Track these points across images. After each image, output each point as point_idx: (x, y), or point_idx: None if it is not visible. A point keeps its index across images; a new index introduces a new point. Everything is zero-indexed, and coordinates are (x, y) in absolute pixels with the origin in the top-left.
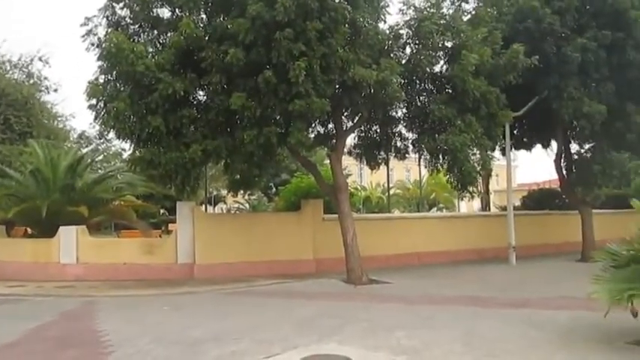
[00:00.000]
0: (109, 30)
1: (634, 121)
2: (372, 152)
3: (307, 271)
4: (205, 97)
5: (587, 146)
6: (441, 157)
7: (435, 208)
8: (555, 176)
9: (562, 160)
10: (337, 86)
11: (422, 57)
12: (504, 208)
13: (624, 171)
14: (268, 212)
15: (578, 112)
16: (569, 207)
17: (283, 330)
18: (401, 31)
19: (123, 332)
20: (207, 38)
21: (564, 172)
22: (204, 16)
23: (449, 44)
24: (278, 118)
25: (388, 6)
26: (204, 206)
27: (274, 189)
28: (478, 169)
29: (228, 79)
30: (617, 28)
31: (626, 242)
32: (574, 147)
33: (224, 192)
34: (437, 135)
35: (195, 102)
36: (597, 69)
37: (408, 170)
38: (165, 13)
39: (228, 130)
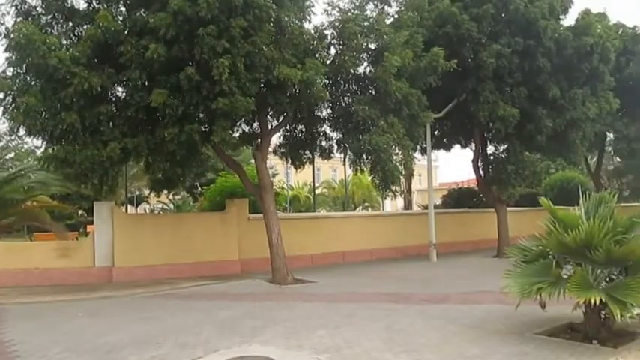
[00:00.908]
0: (19, 20)
1: (544, 124)
2: (297, 152)
3: (232, 271)
4: (124, 94)
5: (501, 147)
6: (364, 157)
7: (361, 208)
8: (473, 176)
9: (479, 161)
10: (262, 85)
11: (346, 58)
12: (426, 207)
13: (536, 171)
14: (192, 213)
15: (494, 114)
16: (486, 205)
17: (206, 332)
18: (326, 32)
19: (32, 342)
20: (126, 32)
21: (481, 172)
22: (123, 8)
23: (372, 46)
24: (201, 116)
25: (313, 6)
26: (125, 207)
27: (200, 189)
28: (400, 168)
29: (149, 75)
30: (528, 36)
31: (535, 238)
32: (490, 148)
33: (147, 192)
34: (361, 135)
35: (113, 98)
36: (511, 74)
37: (334, 170)
38: (81, 4)
39: (149, 127)
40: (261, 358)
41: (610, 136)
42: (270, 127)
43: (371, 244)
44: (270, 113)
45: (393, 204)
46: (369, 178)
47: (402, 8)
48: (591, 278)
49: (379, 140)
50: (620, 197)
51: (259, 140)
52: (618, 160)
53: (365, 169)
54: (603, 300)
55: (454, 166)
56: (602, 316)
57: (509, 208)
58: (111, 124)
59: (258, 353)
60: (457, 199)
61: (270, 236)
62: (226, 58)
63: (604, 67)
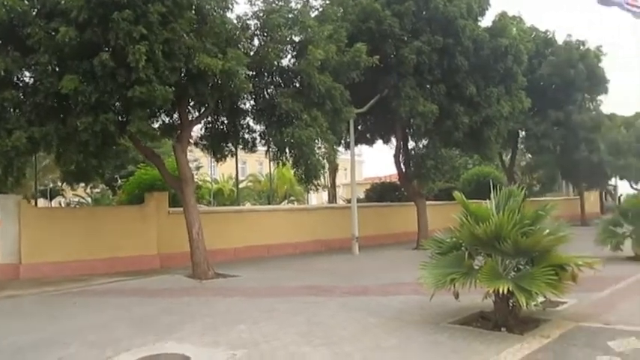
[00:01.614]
0: None
1: (461, 121)
2: (219, 144)
3: (151, 267)
4: (32, 79)
5: (422, 143)
6: (287, 150)
7: (286, 201)
8: (396, 170)
9: (400, 156)
10: (182, 74)
11: (269, 49)
12: (350, 201)
13: (454, 166)
14: (109, 206)
15: (414, 110)
16: (407, 199)
17: (119, 331)
18: (249, 22)
19: None
20: (34, 13)
21: (402, 166)
22: None
23: (296, 39)
24: (117, 105)
25: None
26: (35, 200)
27: (120, 181)
28: (324, 162)
29: (60, 60)
30: (448, 35)
31: (449, 231)
32: (411, 143)
33: (62, 185)
34: (284, 128)
35: (20, 84)
36: (431, 71)
37: (260, 163)
38: None
39: (60, 116)
40: (176, 356)
41: (522, 133)
42: (191, 119)
43: (295, 238)
44: (191, 104)
45: (318, 198)
46: (292, 172)
47: (327, 2)
48: (500, 269)
49: (302, 134)
50: (531, 192)
51: (180, 131)
52: (530, 156)
53: (288, 162)
54: (511, 289)
55: (379, 160)
56: (510, 305)
57: (428, 202)
58: (17, 111)
59: (173, 351)
60: (380, 193)
61: (190, 230)
62: (143, 44)
63: (517, 68)
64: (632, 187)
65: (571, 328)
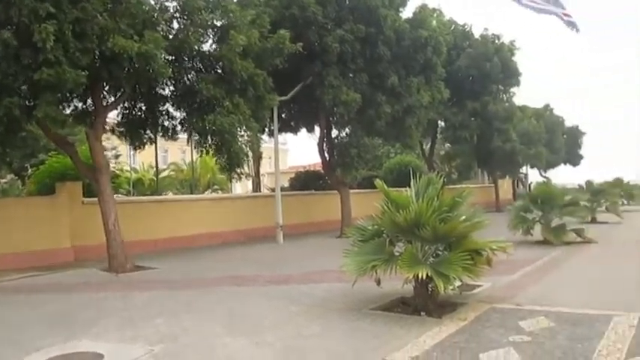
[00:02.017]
0: None
1: (383, 110)
2: (136, 131)
3: (64, 260)
4: None
5: (345, 131)
6: (209, 137)
7: (209, 190)
8: (320, 159)
9: (324, 144)
10: (95, 57)
11: (190, 33)
12: (274, 190)
13: (377, 155)
14: (17, 197)
15: (337, 99)
16: (331, 188)
17: (29, 330)
18: (167, 4)
19: None
20: None
21: (326, 155)
22: None
23: (218, 23)
24: (23, 88)
25: None
26: None
27: (30, 170)
28: (246, 150)
29: None
30: (370, 24)
31: (371, 218)
32: (335, 132)
33: None
34: (205, 115)
35: None
36: (354, 60)
37: (183, 152)
38: None
39: None
40: (88, 354)
41: (441, 123)
42: (105, 104)
43: (218, 228)
44: (106, 89)
45: (243, 187)
46: (215, 160)
47: None
48: (420, 254)
49: (224, 121)
50: (449, 179)
51: (94, 118)
52: (448, 145)
53: (210, 150)
54: (429, 274)
55: (304, 149)
56: (429, 290)
57: (352, 190)
58: None
59: (86, 349)
60: (304, 181)
61: (106, 221)
62: (51, 23)
63: (437, 59)
64: (541, 175)
65: (486, 310)
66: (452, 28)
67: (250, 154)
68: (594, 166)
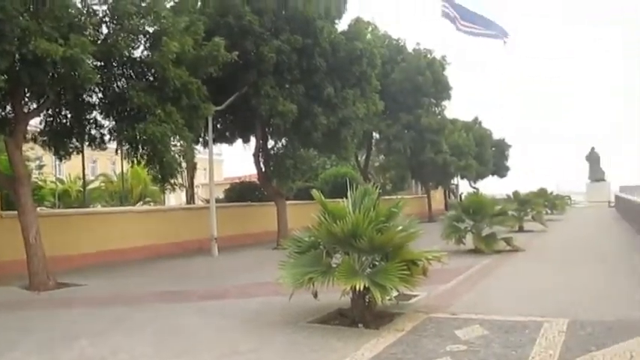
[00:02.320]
0: None
1: (320, 122)
2: (61, 140)
3: None
4: None
5: (281, 142)
6: (140, 147)
7: (141, 202)
8: (256, 170)
9: (260, 155)
10: (15, 60)
11: (120, 39)
12: (209, 201)
13: (313, 166)
14: None
15: (274, 109)
16: (267, 199)
17: None
18: (96, 7)
19: None
20: None
21: (262, 166)
22: None
23: (150, 29)
24: None
25: None
26: None
27: None
28: (180, 161)
29: None
30: (306, 35)
31: (308, 230)
32: (271, 143)
33: None
34: (136, 124)
35: None
36: (290, 71)
37: (113, 162)
38: None
39: None
40: None
41: (376, 135)
42: (27, 111)
43: (150, 241)
44: (28, 94)
45: (177, 198)
46: (147, 171)
47: None
48: (357, 266)
49: (156, 130)
50: (384, 191)
51: (13, 125)
52: (383, 157)
53: (141, 160)
54: (367, 285)
55: (241, 160)
56: (367, 301)
57: (288, 202)
58: None
59: None
60: (240, 192)
61: (26, 235)
62: None
63: (372, 72)
64: (471, 185)
65: (422, 320)
66: (386, 42)
67: (184, 164)
68: (519, 177)
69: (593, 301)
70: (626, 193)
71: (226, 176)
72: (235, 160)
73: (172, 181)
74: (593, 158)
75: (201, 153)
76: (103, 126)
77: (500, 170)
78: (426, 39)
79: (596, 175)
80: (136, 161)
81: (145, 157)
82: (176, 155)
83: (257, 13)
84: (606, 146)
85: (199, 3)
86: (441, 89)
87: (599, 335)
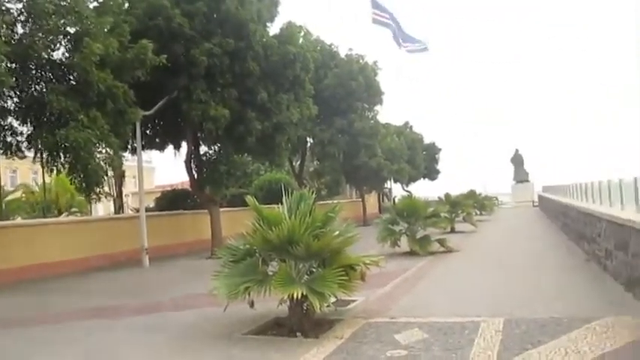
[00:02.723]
0: None
1: (253, 127)
2: None
3: None
4: None
5: (214, 148)
6: (62, 155)
7: (67, 213)
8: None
9: (192, 161)
10: None
11: (37, 39)
12: (139, 210)
13: (247, 172)
14: None
15: (206, 114)
16: (200, 206)
17: None
18: (10, 6)
19: None
20: None
21: (195, 172)
22: None
23: (71, 30)
24: None
25: None
26: None
27: None
28: (105, 168)
29: None
30: (239, 38)
31: (243, 237)
32: (204, 148)
33: None
34: (57, 130)
35: None
36: (222, 75)
37: (35, 172)
38: None
39: None
40: None
41: (310, 140)
42: None
43: (77, 254)
44: None
45: (106, 208)
46: (69, 179)
47: None
48: (294, 273)
49: (79, 136)
50: (319, 196)
51: None
52: (317, 162)
53: (63, 168)
54: (304, 293)
55: (173, 167)
56: (305, 309)
57: (222, 209)
58: None
59: None
60: (171, 200)
61: None
62: None
63: (305, 76)
64: (404, 189)
65: (362, 326)
66: (319, 47)
67: (111, 172)
68: (449, 179)
69: (526, 299)
70: (548, 192)
71: (158, 184)
72: (168, 167)
73: (98, 190)
74: (517, 160)
75: (129, 160)
76: (19, 132)
77: (432, 173)
78: (357, 44)
79: (521, 176)
80: (56, 170)
81: (67, 165)
82: (101, 163)
83: (187, 16)
84: (531, 148)
85: (126, 4)
86: (373, 94)
87: (533, 333)
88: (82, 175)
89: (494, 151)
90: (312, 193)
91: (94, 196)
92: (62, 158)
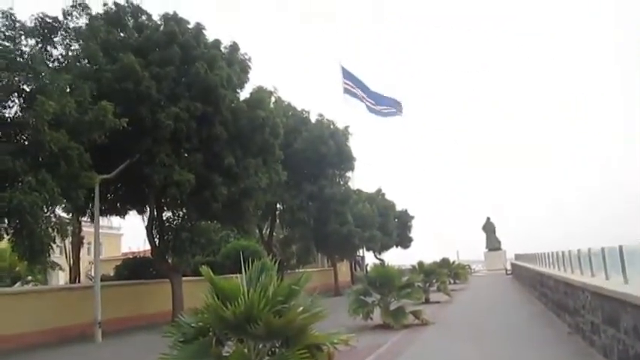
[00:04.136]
0: None
1: (220, 192)
2: None
3: None
4: None
5: (178, 213)
6: (6, 219)
7: (20, 283)
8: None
9: (153, 227)
10: None
11: None
12: (102, 279)
13: (212, 238)
14: None
15: (170, 178)
16: (163, 275)
17: None
18: None
19: None
20: None
21: (156, 239)
22: None
23: (25, 87)
24: None
25: None
26: None
27: None
28: (53, 235)
29: None
30: (207, 103)
31: (195, 313)
32: (168, 214)
33: None
34: (0, 192)
35: None
36: (188, 139)
37: None
38: None
39: None
40: None
41: (279, 206)
42: None
43: (19, 328)
44: None
45: (66, 276)
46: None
47: (72, 52)
48: (253, 355)
49: (25, 199)
50: (289, 265)
51: None
52: (288, 228)
53: (5, 234)
54: None
55: (144, 232)
56: None
57: (187, 278)
58: None
59: None
60: (132, 269)
61: None
62: None
63: (274, 141)
64: (376, 257)
65: None
66: (290, 113)
67: (69, 239)
68: (421, 245)
69: None
70: (520, 260)
71: (125, 251)
72: (139, 231)
73: (45, 258)
74: (488, 228)
75: (90, 226)
76: None
77: (404, 241)
78: (328, 110)
79: (493, 244)
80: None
81: (12, 230)
82: (49, 229)
83: (155, 79)
84: (501, 213)
85: (95, 67)
86: (345, 159)
87: None
88: (27, 242)
89: (466, 218)
90: (276, 262)
91: (40, 266)
92: (6, 223)
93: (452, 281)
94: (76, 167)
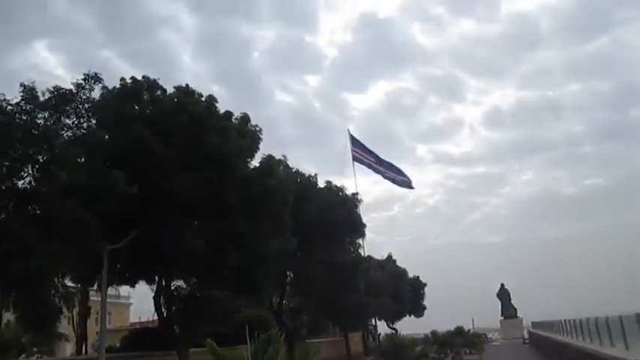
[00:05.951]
0: None
1: (231, 259)
2: None
3: None
4: None
5: (187, 282)
6: (16, 288)
7: (25, 355)
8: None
9: (162, 297)
10: None
11: (2, 168)
12: (108, 350)
13: (223, 308)
14: None
15: (181, 247)
16: (172, 346)
17: None
18: None
19: None
20: None
21: (164, 309)
22: None
23: (40, 157)
24: None
25: None
26: None
27: None
28: (60, 305)
29: None
30: (219, 171)
31: None
32: (178, 283)
33: None
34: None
35: None
36: (201, 207)
37: None
38: None
39: None
40: None
41: (290, 274)
42: None
43: None
44: None
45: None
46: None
47: (85, 122)
48: None
49: (36, 269)
50: (299, 335)
51: None
52: (298, 297)
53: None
54: None
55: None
56: None
57: (196, 349)
58: None
59: None
60: (140, 339)
61: None
62: None
63: (284, 208)
64: (389, 326)
65: None
66: (299, 180)
67: (76, 309)
68: (435, 313)
69: None
70: (538, 329)
71: (135, 320)
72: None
73: (56, 329)
74: (503, 295)
75: (97, 296)
76: None
77: (417, 310)
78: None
79: (509, 311)
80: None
81: (19, 299)
82: (56, 299)
83: (168, 147)
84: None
85: (106, 136)
86: (355, 227)
87: None
88: (33, 313)
89: (480, 285)
90: (282, 334)
91: (46, 337)
92: (14, 292)
93: (467, 351)
94: (88, 236)
